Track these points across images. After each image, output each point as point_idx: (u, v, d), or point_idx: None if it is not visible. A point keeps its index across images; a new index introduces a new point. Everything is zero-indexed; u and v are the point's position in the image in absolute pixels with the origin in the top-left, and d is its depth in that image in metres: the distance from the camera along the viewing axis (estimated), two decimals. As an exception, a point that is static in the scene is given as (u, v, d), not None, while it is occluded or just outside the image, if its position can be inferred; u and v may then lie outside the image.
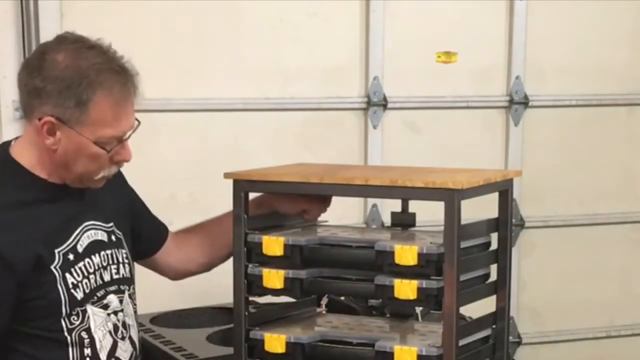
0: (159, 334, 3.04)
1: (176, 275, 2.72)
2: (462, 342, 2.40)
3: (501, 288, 2.59)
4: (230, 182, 2.57)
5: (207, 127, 3.94)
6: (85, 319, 2.32)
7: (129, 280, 2.49)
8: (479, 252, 2.54)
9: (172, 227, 2.74)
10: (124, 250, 2.48)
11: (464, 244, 2.38)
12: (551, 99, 4.37)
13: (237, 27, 3.93)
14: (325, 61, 4.05)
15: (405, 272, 2.35)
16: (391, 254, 2.36)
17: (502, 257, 2.58)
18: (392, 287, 2.36)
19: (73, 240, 2.33)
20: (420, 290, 2.33)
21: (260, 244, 2.50)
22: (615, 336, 4.59)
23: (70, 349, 2.31)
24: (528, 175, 3.88)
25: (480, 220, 2.54)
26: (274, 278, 2.49)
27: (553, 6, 4.29)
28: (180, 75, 3.86)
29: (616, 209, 4.52)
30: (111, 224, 2.46)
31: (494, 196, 2.58)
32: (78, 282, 2.31)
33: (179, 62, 3.85)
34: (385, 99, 4.11)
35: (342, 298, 3.22)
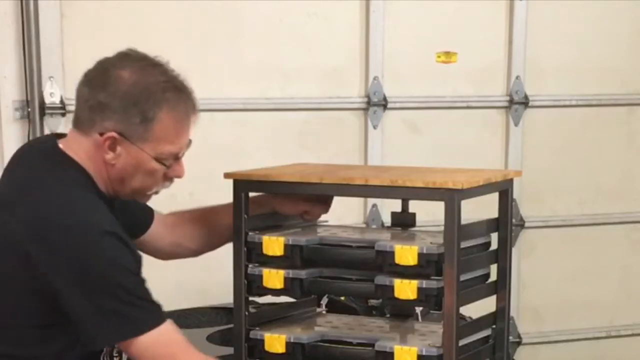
0: (159, 334, 3.04)
1: (164, 257, 2.72)
2: (462, 342, 2.40)
3: (501, 288, 2.59)
4: (230, 182, 2.57)
5: (207, 127, 3.93)
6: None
7: None
8: (479, 252, 2.54)
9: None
10: None
11: (464, 244, 2.38)
12: (551, 99, 4.37)
13: (237, 27, 3.93)
14: (325, 61, 4.05)
15: (405, 272, 2.36)
16: (391, 254, 2.36)
17: (502, 257, 2.58)
18: (392, 287, 2.36)
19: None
20: (420, 290, 2.34)
21: (260, 244, 2.50)
22: (615, 336, 4.59)
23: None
24: (528, 175, 3.89)
25: (480, 220, 2.54)
26: (274, 278, 2.49)
27: (553, 6, 4.29)
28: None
29: (616, 209, 4.52)
30: None
31: (494, 196, 2.58)
32: None
33: (179, 62, 3.82)
34: (385, 99, 4.11)
35: (342, 298, 3.22)
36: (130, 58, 2.28)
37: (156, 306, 2.25)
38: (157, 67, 2.28)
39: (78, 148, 2.29)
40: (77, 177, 2.26)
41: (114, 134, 2.23)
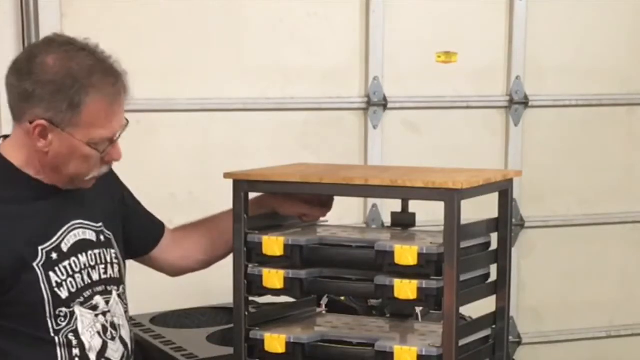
0: (159, 334, 3.04)
1: (174, 272, 2.71)
2: (462, 342, 2.40)
3: (501, 288, 2.59)
4: (230, 182, 2.57)
5: (207, 127, 3.94)
6: (73, 320, 2.31)
7: (118, 281, 2.47)
8: (479, 252, 2.54)
9: (172, 226, 2.74)
10: (113, 250, 2.47)
11: (464, 244, 2.38)
12: (551, 99, 4.37)
13: (237, 27, 3.93)
14: (325, 61, 4.05)
15: (405, 272, 2.36)
16: (391, 254, 2.36)
17: (502, 257, 2.58)
18: (392, 287, 2.36)
19: (57, 239, 2.32)
20: (420, 290, 2.34)
21: (260, 244, 2.50)
22: (615, 336, 4.59)
23: (58, 349, 2.29)
24: (528, 175, 3.88)
25: (480, 220, 2.54)
26: (274, 278, 2.49)
27: (553, 6, 4.29)
28: (180, 75, 3.86)
29: (616, 209, 4.52)
30: (100, 223, 2.44)
31: (494, 196, 2.58)
32: (62, 281, 2.30)
33: (179, 62, 3.85)
34: (385, 99, 4.11)
35: (342, 298, 3.22)
36: (55, 43, 2.26)
37: None
38: (82, 51, 2.25)
39: (13, 140, 2.30)
40: None
41: (42, 121, 2.21)
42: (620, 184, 4.53)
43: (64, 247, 2.32)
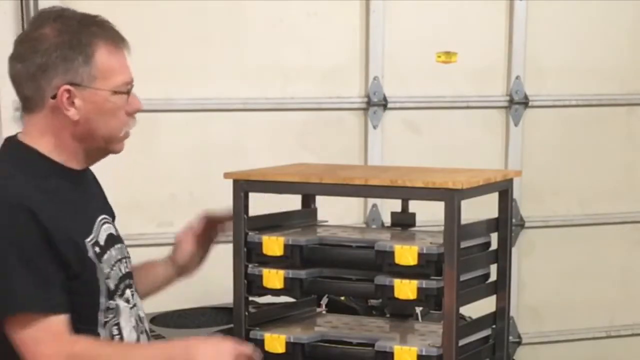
0: (159, 334, 3.04)
1: None
2: (462, 342, 2.40)
3: (501, 288, 2.59)
4: (230, 182, 2.57)
5: (207, 127, 3.94)
6: (118, 313, 2.31)
7: (132, 275, 2.47)
8: (479, 252, 2.54)
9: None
10: (124, 245, 2.47)
11: (464, 244, 2.38)
12: (551, 99, 4.37)
13: (237, 27, 3.93)
14: (325, 61, 4.05)
15: (405, 272, 2.36)
16: (391, 254, 2.36)
17: (502, 257, 2.58)
18: (392, 287, 2.36)
19: (95, 232, 2.31)
20: (420, 290, 2.34)
21: (260, 244, 2.50)
22: (615, 336, 4.59)
23: None
24: (528, 175, 3.88)
25: (480, 220, 2.54)
26: (274, 278, 2.49)
27: (553, 6, 4.29)
28: (180, 75, 3.86)
29: (616, 209, 4.52)
30: (112, 218, 2.46)
31: (494, 196, 2.58)
32: (108, 273, 2.30)
33: (179, 62, 3.85)
34: (385, 99, 4.11)
35: (342, 298, 3.22)
36: (41, 16, 2.28)
37: (39, 291, 2.14)
38: (67, 11, 2.28)
39: (33, 130, 2.28)
40: (17, 157, 2.26)
41: (66, 86, 2.21)
42: (620, 184, 4.53)
43: (101, 241, 2.31)
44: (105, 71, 2.24)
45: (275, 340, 2.49)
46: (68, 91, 2.22)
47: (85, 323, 2.25)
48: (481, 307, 2.61)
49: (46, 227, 2.15)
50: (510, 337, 3.52)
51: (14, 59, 2.26)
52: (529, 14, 4.25)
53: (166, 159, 3.87)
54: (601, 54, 4.40)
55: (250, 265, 2.54)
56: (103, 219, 2.37)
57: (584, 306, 4.51)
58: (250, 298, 2.58)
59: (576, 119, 4.42)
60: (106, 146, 2.32)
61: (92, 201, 2.38)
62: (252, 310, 2.60)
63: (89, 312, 2.27)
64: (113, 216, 2.48)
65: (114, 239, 2.38)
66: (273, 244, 2.49)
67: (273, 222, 2.63)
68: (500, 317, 2.60)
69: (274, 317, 2.66)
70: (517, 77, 4.27)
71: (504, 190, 2.57)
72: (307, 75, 4.04)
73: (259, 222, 2.58)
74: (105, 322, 2.29)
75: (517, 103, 4.29)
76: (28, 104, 2.28)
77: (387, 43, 4.09)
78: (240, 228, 2.53)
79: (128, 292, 2.38)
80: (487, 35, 4.25)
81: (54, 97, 2.22)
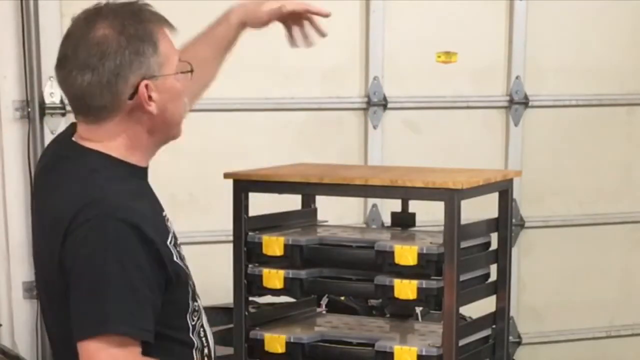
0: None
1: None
2: (462, 342, 2.40)
3: (501, 288, 2.59)
4: (230, 182, 2.57)
5: (207, 127, 3.94)
6: (200, 314, 2.21)
7: None
8: (479, 252, 2.54)
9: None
10: None
11: (464, 244, 2.38)
12: (551, 99, 4.37)
13: (236, 27, 3.92)
14: (325, 61, 4.05)
15: (405, 272, 2.36)
16: (391, 254, 2.36)
17: (502, 257, 2.58)
18: (392, 287, 2.36)
19: (169, 231, 2.18)
20: (420, 290, 2.34)
21: (260, 244, 2.50)
22: (615, 336, 4.59)
23: (195, 353, 2.18)
24: (528, 175, 3.88)
25: (480, 220, 2.54)
26: (274, 278, 2.49)
27: (553, 6, 4.29)
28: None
29: (616, 209, 4.52)
30: None
31: (494, 196, 2.58)
32: (188, 273, 2.19)
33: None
34: (385, 99, 4.11)
35: (342, 298, 3.22)
36: (88, 18, 2.11)
37: (133, 315, 2.00)
38: (104, 7, 2.13)
39: (100, 137, 2.12)
40: (93, 164, 2.12)
41: (144, 82, 2.08)
42: (620, 184, 4.53)
43: (177, 240, 2.19)
44: (167, 55, 2.13)
45: (275, 340, 2.49)
46: (146, 86, 2.08)
47: (179, 329, 2.15)
48: (481, 307, 2.61)
49: (153, 241, 2.04)
50: (510, 337, 3.52)
51: (80, 69, 2.07)
52: (529, 14, 4.25)
53: (166, 159, 3.86)
54: (601, 54, 4.40)
55: (250, 265, 2.54)
56: (166, 215, 2.22)
57: (584, 306, 4.51)
58: (250, 298, 2.58)
59: (576, 119, 4.42)
60: (175, 132, 2.23)
61: (156, 198, 2.24)
62: (252, 310, 2.60)
63: (180, 317, 2.16)
64: None
65: (176, 235, 2.23)
66: (273, 244, 2.49)
67: (273, 222, 2.63)
68: (500, 317, 2.60)
69: (274, 317, 2.66)
70: (517, 77, 4.28)
71: (504, 190, 2.57)
72: (307, 75, 4.04)
73: (259, 222, 2.58)
74: (194, 327, 2.19)
75: (517, 103, 4.29)
76: (99, 113, 2.11)
77: (387, 43, 4.09)
78: (240, 228, 2.53)
79: (195, 288, 2.25)
80: (487, 35, 4.25)
81: (131, 97, 2.08)
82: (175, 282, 2.11)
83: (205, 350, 2.22)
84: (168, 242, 2.13)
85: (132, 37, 2.08)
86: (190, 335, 2.18)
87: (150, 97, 2.10)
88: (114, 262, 2.00)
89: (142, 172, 2.21)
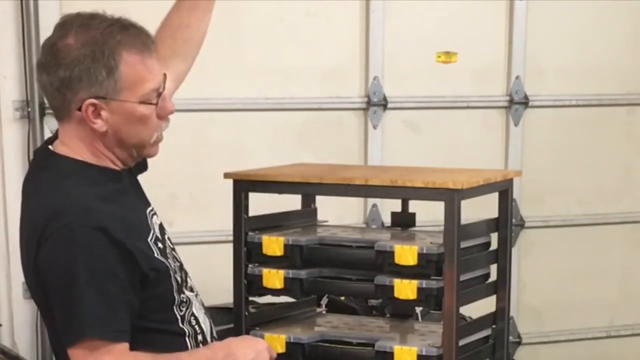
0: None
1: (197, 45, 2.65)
2: (462, 342, 2.40)
3: (501, 288, 2.59)
4: (230, 182, 2.57)
5: (207, 127, 3.94)
6: (189, 304, 2.27)
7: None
8: (479, 252, 2.55)
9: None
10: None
11: (464, 244, 2.38)
12: (551, 99, 4.37)
13: (237, 27, 3.93)
14: (325, 61, 4.05)
15: (405, 272, 2.36)
16: (391, 254, 2.36)
17: (502, 257, 2.58)
18: (392, 287, 2.36)
19: (152, 228, 2.25)
20: (420, 290, 2.34)
21: (260, 244, 2.51)
22: (615, 336, 4.59)
23: (188, 340, 2.25)
24: (528, 175, 3.88)
25: (480, 220, 2.54)
26: (274, 278, 2.49)
27: (553, 6, 4.29)
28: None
29: (616, 209, 4.52)
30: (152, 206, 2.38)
31: (494, 196, 2.58)
32: (173, 266, 2.24)
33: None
34: (385, 99, 4.11)
35: (342, 298, 3.22)
36: (66, 24, 2.19)
37: (106, 318, 2.08)
38: (95, 18, 2.19)
39: (66, 139, 2.22)
40: (63, 171, 2.20)
41: (90, 100, 2.14)
42: (620, 184, 4.53)
43: (159, 235, 2.25)
44: (132, 81, 2.16)
45: (275, 340, 2.49)
46: (93, 105, 2.15)
47: (166, 322, 2.22)
48: (481, 307, 2.61)
49: (123, 243, 2.10)
50: (510, 337, 3.52)
51: (40, 67, 2.19)
52: (529, 14, 4.25)
53: (166, 159, 3.85)
54: (601, 54, 4.40)
55: (250, 265, 2.54)
56: (151, 211, 2.30)
57: (584, 306, 4.51)
58: (250, 298, 2.58)
59: (576, 119, 4.42)
60: (139, 153, 2.26)
61: (138, 196, 2.32)
62: (252, 310, 2.60)
63: (166, 310, 2.22)
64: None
65: (163, 229, 2.31)
66: (273, 244, 2.49)
67: (273, 222, 2.63)
68: (500, 317, 2.60)
69: (274, 317, 2.66)
70: (517, 77, 4.28)
71: (504, 190, 2.57)
72: (307, 75, 4.04)
73: (259, 222, 2.58)
74: (183, 317, 2.25)
75: (517, 103, 4.29)
76: (57, 113, 2.23)
77: (387, 43, 4.09)
78: (240, 228, 2.53)
79: (189, 279, 2.32)
80: (487, 35, 4.25)
81: (79, 109, 2.16)
82: (154, 278, 2.17)
83: (199, 337, 2.28)
84: (148, 239, 2.19)
85: (88, 56, 2.14)
86: (181, 325, 2.24)
87: (99, 115, 2.16)
88: (83, 268, 2.06)
89: (117, 174, 2.25)
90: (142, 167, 2.43)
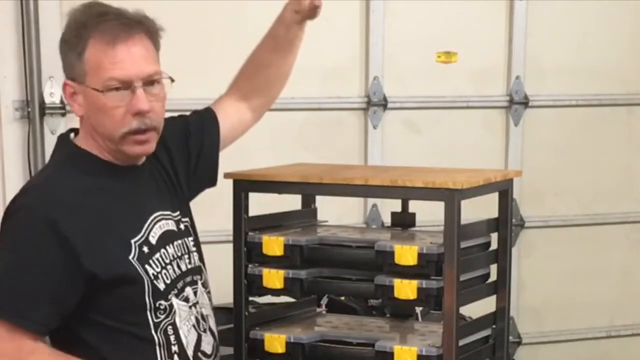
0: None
1: (254, 120, 2.73)
2: (462, 342, 2.40)
3: (501, 288, 2.59)
4: (230, 182, 2.57)
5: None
6: (172, 313, 2.26)
7: (199, 269, 2.41)
8: (479, 252, 2.54)
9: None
10: (191, 238, 2.41)
11: (464, 244, 2.38)
12: (551, 99, 4.37)
13: (237, 27, 3.92)
14: (325, 61, 4.05)
15: (405, 272, 2.36)
16: (391, 254, 2.36)
17: (502, 257, 2.58)
18: (392, 287, 2.36)
19: (145, 232, 2.26)
20: (420, 290, 2.34)
21: (260, 244, 2.50)
22: (615, 336, 4.59)
23: (158, 349, 2.24)
24: (528, 175, 3.88)
25: (480, 220, 2.54)
26: (274, 278, 2.49)
27: (553, 6, 4.29)
28: (180, 75, 3.84)
29: (616, 209, 4.52)
30: (177, 212, 2.39)
31: (494, 196, 2.58)
32: (158, 272, 2.24)
33: (179, 62, 3.83)
34: (385, 99, 4.11)
35: (342, 298, 3.22)
36: (84, 7, 2.27)
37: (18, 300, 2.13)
38: (95, 6, 2.25)
39: (79, 125, 2.31)
40: (61, 156, 2.28)
41: (67, 80, 2.23)
42: (620, 184, 4.53)
43: (152, 240, 2.26)
44: (94, 68, 2.18)
45: (275, 340, 2.49)
46: (68, 86, 2.22)
47: (134, 325, 2.22)
48: (481, 307, 2.61)
49: (67, 238, 2.12)
50: (510, 337, 3.52)
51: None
52: (529, 14, 4.25)
53: (166, 159, 3.86)
54: (601, 54, 4.40)
55: (250, 265, 2.54)
56: (158, 216, 2.30)
57: (584, 306, 4.51)
58: (250, 298, 2.58)
59: (576, 119, 4.42)
60: (114, 146, 2.24)
61: (148, 198, 2.32)
62: (252, 310, 2.60)
63: (137, 313, 2.22)
64: (180, 209, 2.40)
65: (172, 236, 2.32)
66: (273, 244, 2.49)
67: (273, 222, 2.63)
68: (500, 317, 2.60)
69: (274, 317, 2.66)
70: (517, 77, 4.28)
71: (504, 190, 2.57)
72: (307, 75, 4.03)
73: (259, 222, 2.58)
74: (157, 324, 2.23)
75: (517, 103, 4.29)
76: None
77: (387, 43, 4.09)
78: (240, 228, 2.53)
79: (188, 290, 2.32)
80: (487, 35, 4.25)
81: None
82: (116, 279, 2.17)
83: (174, 348, 2.26)
84: (132, 240, 2.21)
85: (66, 39, 2.22)
86: (153, 331, 2.23)
87: (74, 99, 2.23)
88: (12, 252, 2.13)
89: (121, 170, 2.27)
90: (204, 180, 2.49)
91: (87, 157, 2.25)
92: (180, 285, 2.30)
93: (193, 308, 2.33)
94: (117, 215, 2.22)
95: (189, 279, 2.34)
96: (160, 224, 2.31)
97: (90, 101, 2.21)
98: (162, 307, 2.25)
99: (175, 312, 2.27)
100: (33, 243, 2.12)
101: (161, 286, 2.25)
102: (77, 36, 2.19)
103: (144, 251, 2.24)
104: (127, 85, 2.20)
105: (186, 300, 2.31)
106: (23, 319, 2.12)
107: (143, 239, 2.25)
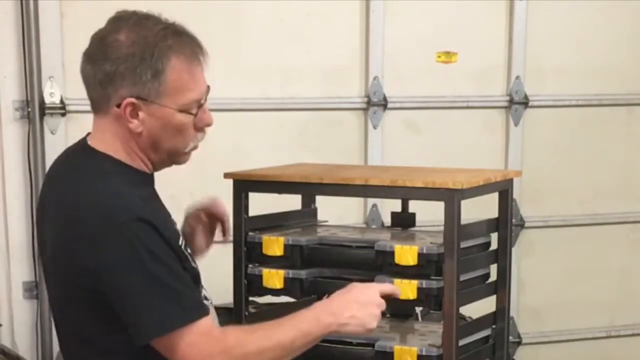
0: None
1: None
2: (462, 342, 2.40)
3: (501, 288, 2.59)
4: (230, 182, 2.57)
5: (207, 127, 3.93)
6: (210, 316, 2.22)
7: None
8: (479, 252, 2.55)
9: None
10: None
11: (464, 244, 2.38)
12: (551, 99, 4.37)
13: (237, 27, 3.93)
14: (325, 61, 4.05)
15: (405, 272, 2.36)
16: (391, 254, 2.36)
17: (502, 257, 2.58)
18: (392, 287, 2.36)
19: (179, 234, 2.25)
20: (420, 290, 2.34)
21: (260, 244, 2.51)
22: (615, 336, 4.59)
23: None
24: (528, 175, 3.88)
25: (480, 220, 2.54)
26: (274, 278, 2.49)
27: (553, 6, 4.29)
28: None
29: (616, 209, 4.52)
30: None
31: (494, 196, 2.58)
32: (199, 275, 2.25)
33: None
34: (385, 99, 4.11)
35: (342, 298, 3.20)
36: (121, 19, 2.19)
37: (189, 299, 2.09)
38: (150, 19, 2.19)
39: (102, 135, 2.20)
40: (105, 168, 2.18)
41: (131, 99, 2.12)
42: (620, 184, 4.53)
43: (182, 242, 2.24)
44: (176, 88, 2.15)
45: (275, 340, 2.48)
46: (132, 104, 2.13)
47: None
48: (481, 307, 2.61)
49: (167, 238, 2.11)
50: (510, 337, 3.52)
51: (86, 58, 2.18)
52: (529, 14, 4.25)
53: (166, 159, 3.87)
54: (601, 54, 4.40)
55: (250, 265, 2.54)
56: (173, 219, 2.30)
57: (584, 306, 4.51)
58: (250, 298, 2.58)
59: (576, 119, 4.42)
60: (170, 159, 2.25)
61: (162, 202, 2.31)
62: (252, 310, 2.60)
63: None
64: None
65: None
66: (273, 244, 2.50)
67: (273, 222, 2.63)
68: (500, 317, 2.60)
69: (274, 317, 2.66)
70: (517, 77, 4.28)
71: (504, 190, 2.57)
72: (307, 75, 4.04)
73: (259, 222, 2.58)
74: None
75: (517, 103, 4.29)
76: (94, 105, 2.20)
77: (387, 43, 4.09)
78: (240, 228, 2.53)
79: (203, 291, 2.30)
80: (487, 35, 4.25)
81: (118, 105, 2.14)
82: (196, 279, 2.18)
83: None
84: (180, 244, 2.19)
85: (137, 55, 2.12)
86: None
87: (137, 115, 2.14)
88: (153, 260, 2.06)
89: (149, 179, 2.26)
90: None
91: (124, 167, 2.20)
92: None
93: (212, 304, 2.32)
94: (168, 220, 2.23)
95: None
96: (177, 227, 2.30)
97: (160, 121, 2.16)
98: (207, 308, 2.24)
99: (210, 311, 2.24)
100: (157, 246, 2.08)
101: (203, 291, 2.26)
102: (152, 54, 2.12)
103: (189, 252, 2.24)
104: (199, 103, 2.21)
105: (206, 298, 2.30)
106: (193, 313, 2.09)
107: (183, 242, 2.23)
